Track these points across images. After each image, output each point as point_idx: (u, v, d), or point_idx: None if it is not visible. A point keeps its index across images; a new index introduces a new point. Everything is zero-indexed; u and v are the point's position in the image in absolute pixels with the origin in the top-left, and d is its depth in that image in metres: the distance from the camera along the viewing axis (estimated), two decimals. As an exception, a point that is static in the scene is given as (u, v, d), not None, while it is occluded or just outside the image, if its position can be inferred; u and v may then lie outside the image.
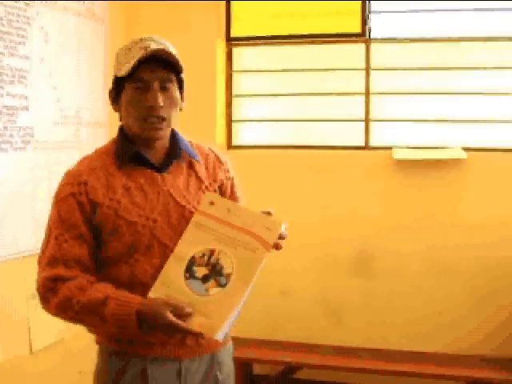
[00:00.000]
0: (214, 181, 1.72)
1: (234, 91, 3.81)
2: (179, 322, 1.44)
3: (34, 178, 2.87)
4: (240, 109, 3.85)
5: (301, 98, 3.75)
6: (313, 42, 3.66)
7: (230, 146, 3.79)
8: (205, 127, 3.50)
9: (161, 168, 1.64)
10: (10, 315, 2.74)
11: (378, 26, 3.56)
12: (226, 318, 1.45)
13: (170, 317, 1.44)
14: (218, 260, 1.51)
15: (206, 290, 1.49)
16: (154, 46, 1.57)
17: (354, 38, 3.58)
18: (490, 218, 3.36)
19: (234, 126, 3.83)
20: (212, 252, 1.53)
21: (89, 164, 1.63)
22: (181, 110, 1.65)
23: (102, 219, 1.57)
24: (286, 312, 3.62)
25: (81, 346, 2.51)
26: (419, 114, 3.55)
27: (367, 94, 3.58)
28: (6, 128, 2.70)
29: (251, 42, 3.75)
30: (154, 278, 1.53)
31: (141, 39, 1.60)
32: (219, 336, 1.45)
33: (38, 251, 1.62)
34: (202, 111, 3.37)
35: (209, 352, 1.65)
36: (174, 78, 1.61)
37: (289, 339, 3.57)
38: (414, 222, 3.47)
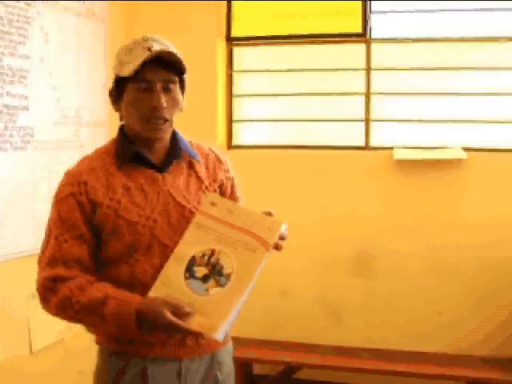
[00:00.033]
0: (214, 181, 1.72)
1: (234, 91, 3.81)
2: (179, 321, 1.44)
3: (34, 178, 2.87)
4: (240, 109, 3.85)
5: (301, 98, 3.75)
6: (313, 42, 3.66)
7: (230, 146, 3.79)
8: (205, 127, 3.50)
9: (161, 168, 1.64)
10: (10, 315, 2.74)
11: (379, 26, 3.56)
12: (225, 318, 1.45)
13: (170, 316, 1.44)
14: (218, 260, 1.52)
15: (206, 290, 1.49)
16: (156, 47, 1.57)
17: (354, 38, 3.58)
18: (489, 218, 3.36)
19: (235, 126, 3.83)
20: (212, 252, 1.53)
21: (89, 164, 1.63)
22: (181, 110, 1.65)
23: (102, 219, 1.57)
24: (286, 312, 3.63)
25: (81, 346, 2.52)
26: (419, 114, 3.55)
27: (367, 94, 3.58)
28: (6, 128, 2.70)
29: (251, 41, 3.75)
30: (154, 277, 1.53)
31: (142, 39, 1.60)
32: (219, 336, 1.45)
33: (38, 251, 1.63)
34: (202, 111, 3.37)
35: (209, 352, 1.65)
36: (176, 79, 1.61)
37: (289, 339, 3.57)
38: (413, 222, 3.47)
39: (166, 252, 1.57)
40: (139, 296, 1.50)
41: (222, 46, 3.74)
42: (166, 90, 1.59)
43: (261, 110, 3.85)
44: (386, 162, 3.49)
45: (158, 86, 1.57)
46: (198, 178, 1.69)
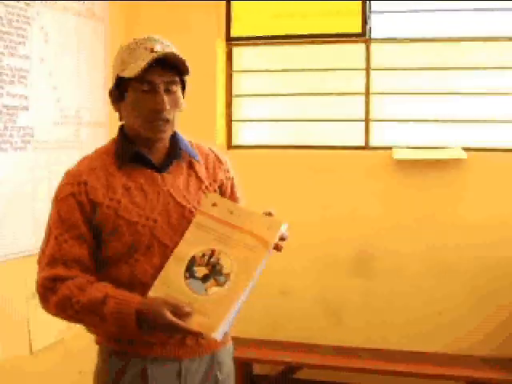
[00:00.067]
0: (214, 181, 1.72)
1: (234, 91, 3.81)
2: (178, 321, 1.44)
3: (34, 178, 2.87)
4: (240, 109, 3.85)
5: (301, 98, 3.74)
6: (313, 42, 3.66)
7: (230, 146, 3.79)
8: (205, 127, 3.50)
9: (161, 168, 1.64)
10: (10, 315, 2.74)
11: (379, 25, 3.56)
12: (224, 318, 1.45)
13: (169, 316, 1.44)
14: (218, 260, 1.52)
15: (206, 290, 1.49)
16: (158, 47, 1.57)
17: (354, 38, 3.58)
18: (489, 218, 3.36)
19: (234, 125, 3.83)
20: (212, 252, 1.53)
21: (89, 164, 1.63)
22: (181, 110, 1.65)
23: (102, 219, 1.57)
24: (286, 312, 3.62)
25: (81, 346, 2.52)
26: (419, 114, 3.55)
27: (367, 93, 3.58)
28: (6, 128, 2.70)
29: (251, 41, 3.75)
30: (154, 277, 1.53)
31: (144, 39, 1.59)
32: (218, 335, 1.45)
33: (38, 251, 1.63)
34: (202, 111, 3.37)
35: (209, 352, 1.65)
36: (178, 80, 1.61)
37: (289, 339, 3.57)
38: (413, 222, 3.47)
39: (166, 252, 1.57)
40: (139, 296, 1.50)
41: (221, 46, 3.74)
42: (168, 91, 1.59)
43: (261, 110, 3.84)
44: (386, 162, 3.49)
45: (161, 88, 1.57)
46: (198, 178, 1.69)
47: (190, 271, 1.52)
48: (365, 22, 3.53)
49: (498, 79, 3.45)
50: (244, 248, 1.51)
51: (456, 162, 3.39)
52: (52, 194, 1.64)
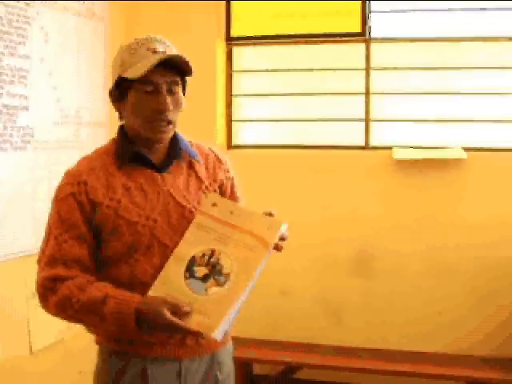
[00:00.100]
0: (214, 181, 1.72)
1: (234, 91, 3.81)
2: (178, 321, 1.44)
3: (34, 178, 2.87)
4: (240, 109, 3.85)
5: (301, 97, 3.74)
6: (313, 42, 3.66)
7: (230, 146, 3.79)
8: (205, 127, 3.50)
9: (161, 168, 1.64)
10: (10, 315, 2.74)
11: (378, 25, 3.56)
12: (223, 317, 1.45)
13: (169, 316, 1.44)
14: (218, 260, 1.52)
15: (206, 290, 1.49)
16: (160, 48, 1.57)
17: (354, 38, 3.58)
18: (489, 218, 3.36)
19: (234, 125, 3.83)
20: (212, 252, 1.53)
21: (88, 164, 1.63)
22: (182, 110, 1.65)
23: (102, 219, 1.57)
24: (286, 312, 3.62)
25: (81, 346, 2.52)
26: (419, 114, 3.54)
27: (367, 93, 3.58)
28: (5, 128, 2.70)
29: (251, 41, 3.75)
30: (154, 277, 1.53)
31: (145, 39, 1.59)
32: (218, 335, 1.45)
33: (38, 251, 1.63)
34: (202, 111, 3.37)
35: (209, 352, 1.65)
36: (179, 81, 1.61)
37: (289, 339, 3.57)
38: (414, 222, 3.47)
39: (166, 252, 1.57)
40: (139, 295, 1.50)
41: (221, 46, 3.74)
42: (170, 91, 1.59)
43: (261, 110, 3.84)
44: (386, 162, 3.49)
45: (164, 88, 1.57)
46: (198, 178, 1.69)
47: (190, 271, 1.52)
48: (364, 21, 3.53)
49: (498, 79, 3.45)
50: (244, 248, 1.51)
51: (456, 161, 3.39)
52: (52, 194, 1.64)
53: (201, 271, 1.51)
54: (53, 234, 1.58)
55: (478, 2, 3.43)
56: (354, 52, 3.61)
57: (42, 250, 1.60)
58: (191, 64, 1.59)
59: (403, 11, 3.55)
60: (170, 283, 1.51)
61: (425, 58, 3.53)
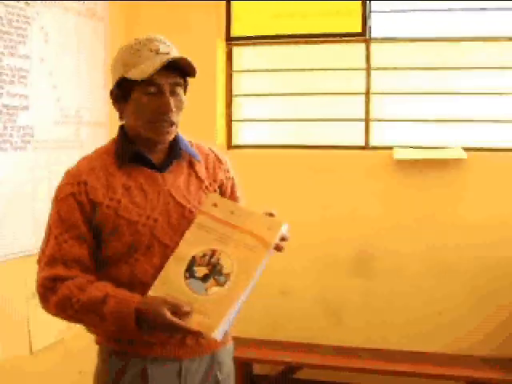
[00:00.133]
0: (214, 181, 1.72)
1: (234, 91, 3.81)
2: (178, 320, 1.45)
3: (34, 178, 2.87)
4: (240, 109, 3.85)
5: (301, 97, 3.74)
6: (313, 42, 3.66)
7: (230, 146, 3.79)
8: (205, 127, 3.50)
9: (161, 168, 1.64)
10: (10, 315, 2.74)
11: (379, 25, 3.56)
12: (223, 317, 1.45)
13: (169, 315, 1.44)
14: (218, 260, 1.52)
15: (206, 290, 1.49)
16: (163, 49, 1.57)
17: (354, 38, 3.58)
18: (489, 218, 3.36)
19: (234, 125, 3.83)
20: (213, 252, 1.53)
21: (88, 164, 1.63)
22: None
23: (102, 219, 1.57)
24: (286, 312, 3.62)
25: (81, 346, 2.52)
26: (419, 114, 3.54)
27: (367, 93, 3.58)
28: (6, 127, 2.70)
29: (251, 41, 3.75)
30: (154, 277, 1.54)
31: (147, 40, 1.58)
32: (217, 335, 1.45)
33: (38, 251, 1.63)
34: (202, 111, 3.37)
35: (209, 352, 1.66)
36: (182, 82, 1.61)
37: (289, 339, 3.57)
38: (414, 222, 3.47)
39: (166, 252, 1.57)
40: (139, 295, 1.50)
41: (221, 46, 3.74)
42: (173, 93, 1.58)
43: (261, 110, 3.84)
44: (386, 162, 3.49)
45: (167, 90, 1.57)
46: (198, 178, 1.69)
47: (190, 271, 1.52)
48: (365, 21, 3.53)
49: (498, 79, 3.45)
50: (244, 248, 1.51)
51: (456, 161, 3.39)
52: (52, 194, 1.64)
53: (201, 271, 1.52)
54: (53, 233, 1.58)
55: (478, 2, 3.43)
56: (354, 52, 3.61)
57: (42, 250, 1.60)
58: (195, 66, 1.58)
59: (403, 11, 3.55)
60: (170, 283, 1.51)
61: (425, 58, 3.53)
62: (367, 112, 3.59)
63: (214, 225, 1.55)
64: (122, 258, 1.58)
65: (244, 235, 1.52)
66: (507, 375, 3.10)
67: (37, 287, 1.58)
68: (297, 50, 3.72)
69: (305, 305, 3.60)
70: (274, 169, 3.63)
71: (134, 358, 1.60)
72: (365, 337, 3.52)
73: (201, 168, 1.71)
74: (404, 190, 3.49)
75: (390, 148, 3.51)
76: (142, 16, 3.64)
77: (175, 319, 1.44)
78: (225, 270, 1.50)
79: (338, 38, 3.61)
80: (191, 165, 1.69)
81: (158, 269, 1.54)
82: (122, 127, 1.67)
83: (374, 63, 3.58)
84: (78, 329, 1.68)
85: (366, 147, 3.60)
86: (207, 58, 3.60)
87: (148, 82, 1.55)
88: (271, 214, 1.57)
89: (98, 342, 1.67)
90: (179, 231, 1.58)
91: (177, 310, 1.45)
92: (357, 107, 3.61)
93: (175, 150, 1.66)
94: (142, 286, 1.54)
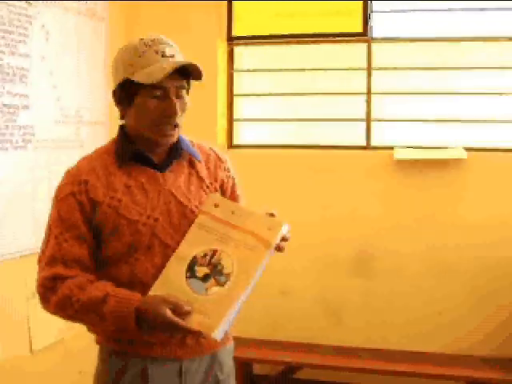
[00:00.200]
0: (215, 180, 1.72)
1: (235, 91, 3.81)
2: (178, 320, 1.44)
3: (34, 178, 2.87)
4: (241, 108, 3.85)
5: (302, 97, 3.74)
6: (314, 42, 3.66)
7: (230, 146, 3.79)
8: (206, 127, 3.49)
9: (162, 167, 1.64)
10: (10, 315, 2.74)
11: (380, 25, 3.56)
12: (223, 317, 1.45)
13: (169, 314, 1.44)
14: (219, 260, 1.52)
15: (206, 290, 1.49)
16: (169, 51, 1.56)
17: (355, 38, 3.58)
18: (490, 218, 3.36)
19: (235, 125, 3.83)
20: (214, 252, 1.53)
21: (89, 163, 1.62)
22: None
23: (103, 218, 1.57)
24: (286, 312, 3.62)
25: (81, 345, 2.52)
26: (420, 114, 3.54)
27: (368, 93, 3.58)
28: (6, 127, 2.70)
29: (252, 41, 3.75)
30: (155, 277, 1.53)
31: (152, 41, 1.57)
32: (217, 335, 1.45)
33: (38, 251, 1.62)
34: (202, 111, 3.36)
35: (209, 352, 1.65)
36: (186, 85, 1.61)
37: (289, 339, 3.57)
38: (414, 222, 3.47)
39: (167, 251, 1.57)
40: (139, 294, 1.50)
41: (222, 46, 3.74)
42: (178, 95, 1.58)
43: (261, 110, 3.84)
44: (387, 162, 3.49)
45: (173, 93, 1.57)
46: (199, 177, 1.69)
47: (191, 271, 1.52)
48: (366, 21, 3.52)
49: (498, 79, 3.45)
50: (245, 248, 1.51)
51: (456, 161, 3.39)
52: (52, 194, 1.63)
53: (201, 271, 1.52)
54: (53, 233, 1.58)
55: (478, 2, 3.43)
56: (356, 52, 3.61)
57: (43, 250, 1.60)
58: (202, 71, 1.58)
59: (404, 11, 3.55)
60: (171, 283, 1.51)
61: (425, 58, 3.53)
62: (368, 112, 3.59)
63: (215, 225, 1.55)
64: (121, 258, 1.58)
65: (245, 235, 1.52)
66: (507, 375, 3.10)
67: (37, 287, 1.58)
68: (298, 49, 3.72)
69: (305, 305, 3.60)
70: (274, 169, 3.62)
71: (133, 358, 1.60)
72: (365, 337, 3.52)
73: (201, 167, 1.70)
74: (404, 189, 3.49)
75: (391, 148, 3.51)
76: (142, 16, 3.64)
77: (176, 319, 1.44)
78: (225, 270, 1.50)
79: (339, 38, 3.61)
80: (192, 164, 1.69)
81: (159, 268, 1.54)
82: (122, 127, 1.67)
83: (374, 63, 3.57)
84: (78, 329, 1.68)
85: (366, 147, 3.60)
86: (208, 57, 3.59)
87: (154, 85, 1.54)
88: (272, 214, 1.57)
89: (98, 342, 1.67)
90: (180, 231, 1.58)
91: (177, 310, 1.45)
92: (357, 107, 3.61)
93: (176, 149, 1.66)
94: (143, 286, 1.54)
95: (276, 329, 3.63)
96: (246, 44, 3.77)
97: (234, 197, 1.76)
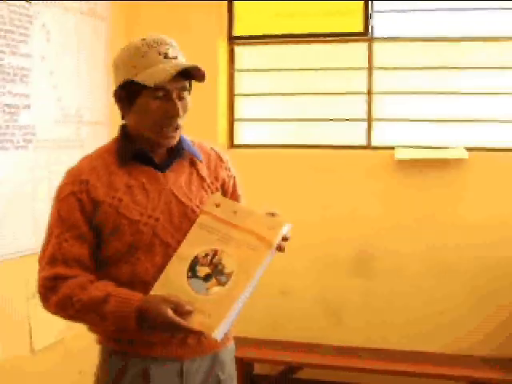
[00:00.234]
0: (216, 179, 1.72)
1: (236, 90, 3.81)
2: (179, 319, 1.44)
3: (34, 178, 2.87)
4: (242, 108, 3.85)
5: (302, 97, 3.74)
6: (315, 42, 3.66)
7: (231, 146, 3.79)
8: (206, 126, 3.49)
9: (162, 167, 1.64)
10: (10, 315, 2.74)
11: (381, 25, 3.56)
12: (224, 317, 1.45)
13: (171, 314, 1.44)
14: (220, 260, 1.52)
15: (207, 289, 1.49)
16: (172, 53, 1.56)
17: (356, 38, 3.58)
18: (490, 218, 3.36)
19: (236, 125, 3.83)
20: (215, 252, 1.53)
21: (90, 163, 1.62)
22: None
23: (103, 218, 1.57)
24: (286, 312, 3.62)
25: (81, 345, 2.51)
26: (421, 114, 3.54)
27: (369, 93, 3.58)
28: (7, 126, 2.70)
29: (253, 41, 3.75)
30: (156, 276, 1.53)
31: (154, 41, 1.57)
32: (218, 335, 1.45)
33: (38, 251, 1.62)
34: (203, 110, 3.35)
35: (210, 352, 1.65)
36: (188, 86, 1.61)
37: (289, 339, 3.57)
38: (414, 222, 3.47)
39: (168, 251, 1.56)
40: (140, 294, 1.50)
41: (223, 46, 3.74)
42: (180, 97, 1.58)
43: (262, 110, 3.84)
44: (387, 162, 3.49)
45: (175, 95, 1.57)
46: (200, 177, 1.69)
47: (192, 271, 1.52)
48: (367, 21, 3.52)
49: (498, 79, 3.45)
50: (247, 248, 1.51)
51: (456, 161, 3.39)
52: (52, 194, 1.63)
53: (202, 271, 1.51)
54: (53, 233, 1.58)
55: (478, 2, 3.43)
56: (357, 52, 3.60)
57: (43, 250, 1.60)
58: (205, 73, 1.58)
59: (405, 11, 3.55)
60: (172, 283, 1.51)
61: (426, 58, 3.53)
62: (369, 112, 3.58)
63: (216, 225, 1.55)
64: (122, 258, 1.58)
65: (246, 235, 1.52)
66: (507, 375, 3.11)
67: (38, 287, 1.58)
68: (299, 49, 3.71)
69: (305, 305, 3.60)
70: (275, 169, 3.62)
71: (134, 358, 1.59)
72: (365, 337, 3.52)
73: (202, 167, 1.70)
74: (404, 189, 3.49)
75: (391, 148, 3.51)
76: (142, 16, 3.64)
77: (177, 318, 1.44)
78: (227, 270, 1.50)
79: (339, 38, 3.61)
80: (193, 163, 1.69)
81: (160, 268, 1.54)
82: (123, 126, 1.67)
83: (375, 63, 3.57)
84: (79, 329, 1.68)
85: (367, 147, 3.60)
86: (208, 57, 3.59)
87: (157, 86, 1.54)
88: (273, 214, 1.57)
89: (98, 342, 1.67)
90: (181, 230, 1.58)
91: (178, 309, 1.45)
92: (358, 107, 3.61)
93: (177, 149, 1.66)
94: (143, 285, 1.53)
95: (276, 329, 3.63)
96: (246, 44, 3.77)
97: (235, 196, 1.76)
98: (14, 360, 2.73)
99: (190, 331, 1.48)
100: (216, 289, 1.49)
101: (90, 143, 3.15)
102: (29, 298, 2.72)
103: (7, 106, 2.69)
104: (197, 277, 1.51)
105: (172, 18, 3.60)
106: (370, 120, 3.59)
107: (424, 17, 3.51)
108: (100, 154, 1.65)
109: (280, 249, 1.54)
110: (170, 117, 1.57)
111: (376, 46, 3.57)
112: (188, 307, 1.46)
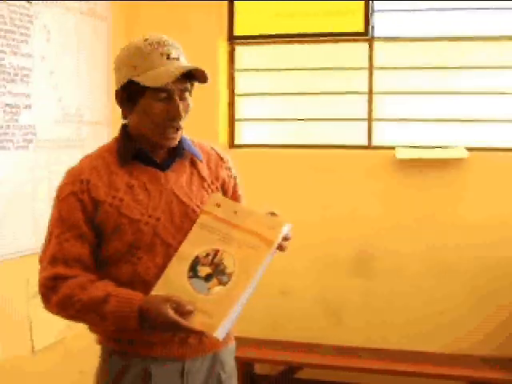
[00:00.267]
0: (217, 179, 1.72)
1: (237, 90, 3.81)
2: (180, 319, 1.44)
3: (34, 178, 2.87)
4: (242, 108, 3.85)
5: (303, 97, 3.74)
6: (315, 41, 3.66)
7: (231, 145, 3.79)
8: (207, 126, 3.49)
9: (163, 167, 1.64)
10: (11, 315, 2.74)
11: (381, 25, 3.56)
12: (225, 317, 1.45)
13: (172, 314, 1.44)
14: (221, 260, 1.52)
15: (208, 289, 1.49)
16: (174, 54, 1.56)
17: (356, 37, 3.58)
18: (490, 218, 3.36)
19: (236, 125, 3.83)
20: (216, 252, 1.53)
21: (90, 163, 1.62)
22: None
23: (104, 218, 1.57)
24: (286, 312, 3.62)
25: (81, 345, 2.52)
26: (421, 114, 3.54)
27: (370, 93, 3.58)
28: (8, 126, 2.70)
29: (254, 41, 3.75)
30: (157, 276, 1.53)
31: (156, 42, 1.56)
32: (219, 334, 1.45)
33: (38, 251, 1.62)
34: (204, 110, 3.32)
35: (211, 351, 1.65)
36: (189, 87, 1.61)
37: (289, 339, 3.57)
38: (414, 222, 3.47)
39: (169, 251, 1.56)
40: (141, 294, 1.50)
41: (223, 46, 3.74)
42: (182, 98, 1.58)
43: (262, 109, 3.84)
44: (388, 162, 3.49)
45: (177, 96, 1.57)
46: (201, 177, 1.69)
47: (193, 271, 1.52)
48: (367, 21, 3.52)
49: (498, 79, 3.45)
50: (247, 248, 1.51)
51: (456, 161, 3.39)
52: (52, 194, 1.63)
53: (204, 271, 1.52)
54: (54, 233, 1.58)
55: (478, 2, 3.43)
56: (357, 51, 3.60)
57: (44, 250, 1.60)
58: (208, 75, 1.58)
59: (405, 11, 3.55)
60: (173, 283, 1.51)
61: (426, 58, 3.53)
62: (369, 111, 3.58)
63: (217, 225, 1.55)
64: (123, 258, 1.58)
65: (247, 235, 1.52)
66: (507, 375, 3.11)
67: (39, 287, 1.58)
68: (299, 49, 3.71)
69: (305, 305, 3.60)
70: (275, 168, 3.62)
71: (134, 358, 1.59)
72: (365, 337, 3.52)
73: (203, 167, 1.70)
74: (404, 189, 3.49)
75: (392, 148, 3.51)
76: (142, 16, 3.64)
77: (178, 318, 1.44)
78: (228, 270, 1.50)
79: (340, 38, 3.61)
80: (193, 164, 1.69)
81: (161, 268, 1.54)
82: (124, 126, 1.67)
83: (376, 63, 3.57)
84: (79, 329, 1.68)
85: (368, 147, 3.60)
86: (209, 57, 3.59)
87: (159, 88, 1.54)
88: (273, 214, 1.58)
89: (98, 342, 1.67)
90: (182, 230, 1.58)
91: (179, 309, 1.45)
92: (359, 107, 3.61)
93: (178, 149, 1.66)
94: (144, 285, 1.53)
95: (276, 329, 3.63)
96: (247, 44, 3.77)
97: (235, 196, 1.76)
98: (15, 360, 2.73)
99: (191, 331, 1.47)
100: (217, 289, 1.49)
101: (90, 143, 3.15)
102: (29, 297, 2.72)
103: (8, 105, 2.69)
104: (198, 277, 1.51)
105: (172, 17, 3.60)
106: (370, 120, 3.59)
107: (424, 17, 3.51)
108: (100, 153, 1.65)
109: (281, 248, 1.55)
110: (171, 118, 1.57)
111: (376, 45, 3.57)
112: (189, 307, 1.46)
